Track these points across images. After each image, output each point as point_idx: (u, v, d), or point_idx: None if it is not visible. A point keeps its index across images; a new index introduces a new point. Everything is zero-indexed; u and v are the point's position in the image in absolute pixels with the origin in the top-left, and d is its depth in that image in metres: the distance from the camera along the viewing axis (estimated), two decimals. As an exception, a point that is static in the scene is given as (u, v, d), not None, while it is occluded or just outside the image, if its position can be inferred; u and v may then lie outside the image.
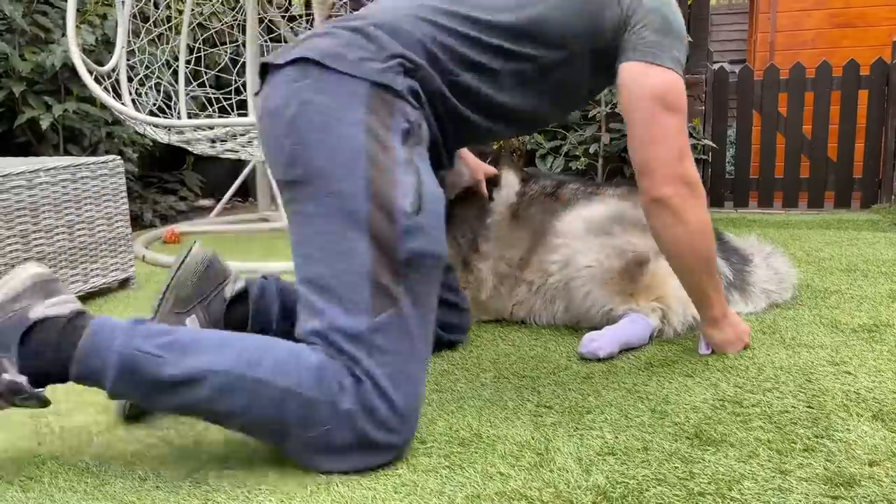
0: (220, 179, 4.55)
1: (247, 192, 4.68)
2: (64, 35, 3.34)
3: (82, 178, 2.23)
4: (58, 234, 2.16)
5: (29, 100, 3.36)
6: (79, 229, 2.23)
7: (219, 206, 3.93)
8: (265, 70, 1.38)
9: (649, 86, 1.47)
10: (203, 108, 3.86)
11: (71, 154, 3.53)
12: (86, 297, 2.32)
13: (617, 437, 1.29)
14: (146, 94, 3.34)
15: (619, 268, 1.84)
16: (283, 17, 4.16)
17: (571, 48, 1.48)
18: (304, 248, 1.25)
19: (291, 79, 1.30)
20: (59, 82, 3.45)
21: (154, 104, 3.34)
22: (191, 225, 3.69)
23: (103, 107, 3.40)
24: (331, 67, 1.28)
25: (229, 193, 3.91)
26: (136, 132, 3.43)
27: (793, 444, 1.25)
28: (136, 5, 3.31)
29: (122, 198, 2.40)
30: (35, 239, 2.08)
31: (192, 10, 3.63)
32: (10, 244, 2.01)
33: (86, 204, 2.25)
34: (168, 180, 4.46)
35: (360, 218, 1.21)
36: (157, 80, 3.42)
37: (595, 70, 1.52)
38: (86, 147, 3.63)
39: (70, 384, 1.22)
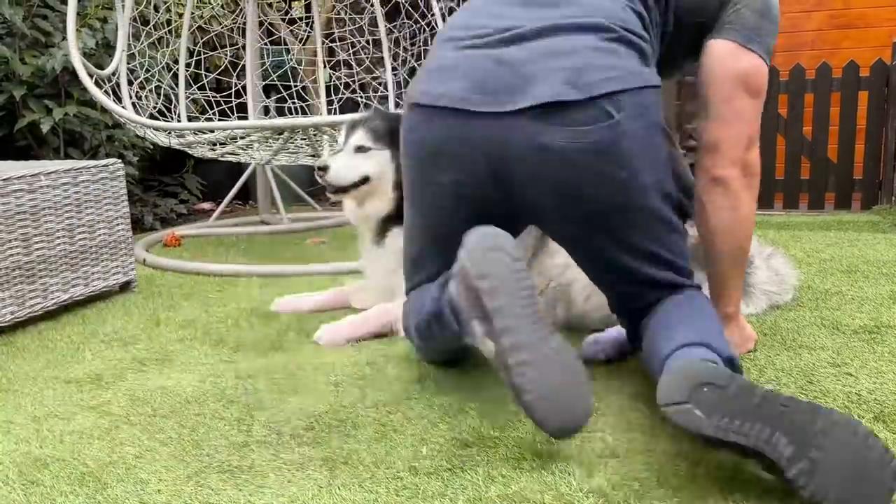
0: (220, 182, 4.55)
1: (247, 195, 4.68)
2: (64, 38, 3.34)
3: (83, 181, 2.23)
4: (58, 237, 2.16)
5: (29, 103, 3.36)
6: (79, 233, 2.23)
7: (219, 210, 3.93)
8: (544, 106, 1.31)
9: (736, 68, 1.49)
10: (203, 111, 3.86)
11: (71, 157, 3.53)
12: (87, 301, 2.32)
13: (619, 440, 1.29)
14: (146, 97, 3.34)
15: None
16: (283, 19, 4.17)
17: (683, 20, 1.53)
18: (656, 248, 1.42)
19: (637, 113, 1.33)
20: (60, 86, 3.46)
21: (154, 107, 3.35)
22: (191, 228, 3.69)
23: (104, 110, 3.40)
24: (649, 86, 1.36)
25: (229, 196, 3.91)
26: (137, 135, 3.44)
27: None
28: (136, 9, 3.31)
29: (122, 201, 2.40)
30: (36, 242, 2.08)
31: (192, 13, 3.63)
32: (10, 248, 2.01)
33: (86, 207, 2.25)
34: (168, 183, 4.46)
35: (674, 203, 1.43)
36: (158, 84, 3.42)
37: (693, 45, 1.56)
38: (86, 150, 3.63)
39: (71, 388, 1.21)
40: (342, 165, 1.99)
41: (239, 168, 4.11)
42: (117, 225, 2.38)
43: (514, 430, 1.34)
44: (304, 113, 3.99)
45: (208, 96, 3.72)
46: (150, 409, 1.51)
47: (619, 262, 1.41)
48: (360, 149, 2.01)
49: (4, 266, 1.99)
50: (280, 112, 3.99)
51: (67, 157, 3.53)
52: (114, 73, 3.11)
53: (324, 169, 1.97)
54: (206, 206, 4.57)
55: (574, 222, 1.40)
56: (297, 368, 1.71)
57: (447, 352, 1.61)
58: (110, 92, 3.03)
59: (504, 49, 1.37)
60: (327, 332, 1.91)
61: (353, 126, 2.05)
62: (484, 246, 1.25)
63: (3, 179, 1.98)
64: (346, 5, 3.91)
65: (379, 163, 2.00)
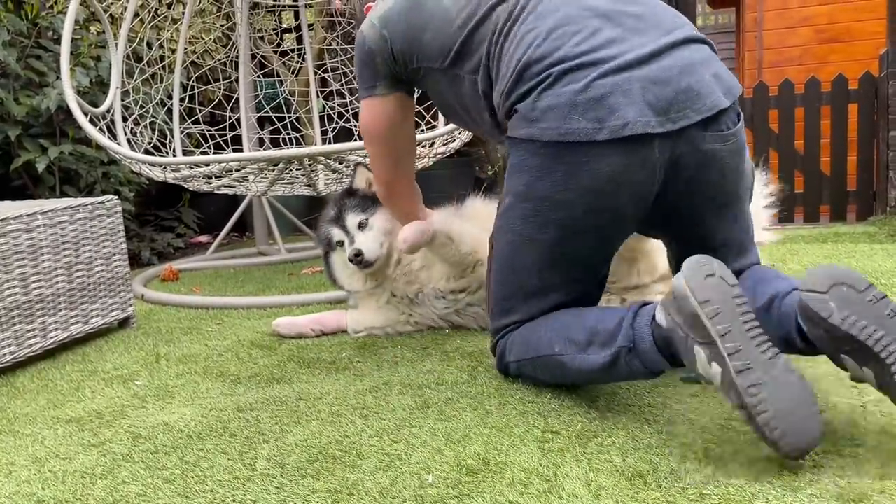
0: (217, 215, 4.56)
1: (244, 227, 4.69)
2: (58, 78, 3.37)
3: (80, 219, 2.23)
4: (56, 276, 2.15)
5: (25, 143, 3.38)
6: (77, 270, 2.23)
7: (216, 242, 3.93)
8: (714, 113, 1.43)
9: None
10: (198, 144, 3.87)
11: (68, 195, 3.54)
12: (86, 338, 2.31)
13: (625, 461, 1.28)
14: (141, 133, 3.35)
15: None
16: (276, 52, 4.20)
17: None
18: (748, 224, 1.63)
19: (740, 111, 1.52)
20: (55, 125, 3.47)
21: (149, 143, 3.36)
22: (189, 261, 3.69)
23: (99, 147, 3.42)
24: None
25: (226, 229, 3.91)
26: (132, 171, 3.45)
27: (802, 462, 1.24)
28: (130, 46, 3.34)
29: (119, 237, 2.40)
30: (34, 282, 2.08)
31: (185, 49, 3.66)
32: (8, 287, 2.01)
33: (84, 245, 2.25)
34: (165, 218, 4.46)
35: None
36: (152, 119, 3.44)
37: None
38: (82, 188, 3.63)
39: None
40: (371, 242, 2.14)
41: (235, 200, 4.12)
42: (115, 261, 2.38)
43: (519, 455, 1.33)
44: (298, 143, 4.01)
45: (203, 130, 3.74)
46: (151, 446, 1.49)
47: (727, 237, 1.57)
48: (361, 225, 2.17)
49: (3, 307, 1.99)
50: (274, 143, 4.01)
51: (63, 195, 3.53)
52: (108, 111, 3.12)
53: (359, 254, 2.10)
54: (203, 238, 4.57)
55: (699, 215, 1.54)
56: (299, 399, 1.70)
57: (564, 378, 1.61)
58: (105, 129, 3.04)
59: (648, 67, 1.42)
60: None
61: (336, 219, 2.19)
62: (702, 273, 1.27)
63: (0, 220, 1.98)
64: (337, 36, 3.94)
65: (382, 219, 2.17)
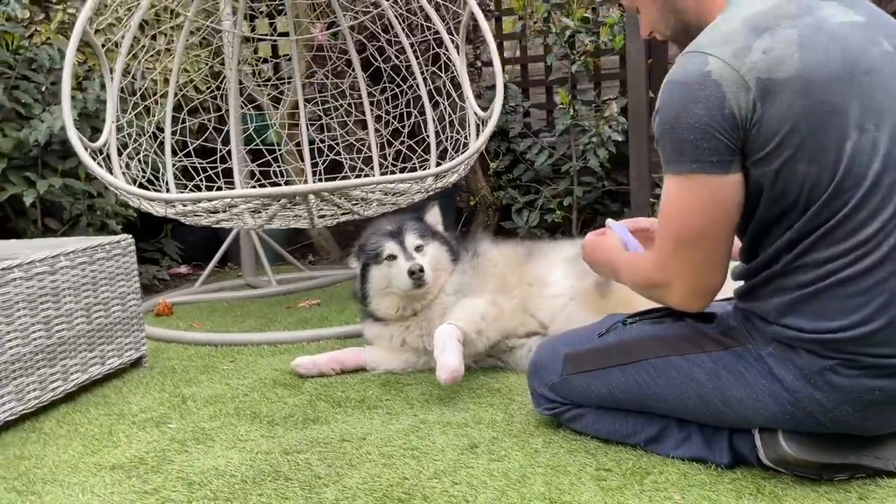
0: (196, 245, 4.51)
1: (225, 257, 4.65)
2: (45, 110, 3.33)
3: (99, 259, 2.22)
4: (77, 317, 2.13)
5: (10, 176, 3.31)
6: (96, 311, 2.21)
7: (204, 275, 3.90)
8: None
9: None
10: (190, 177, 3.85)
11: (50, 228, 3.49)
12: (103, 380, 2.28)
13: (685, 497, 1.36)
14: (134, 166, 3.33)
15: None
16: (264, 85, 4.21)
17: None
18: None
19: None
20: (37, 157, 3.41)
21: (143, 176, 3.33)
22: (180, 294, 3.66)
23: (88, 180, 3.39)
24: None
25: (214, 261, 3.89)
26: (120, 204, 3.42)
27: (848, 494, 1.33)
28: (123, 81, 3.32)
29: (133, 276, 2.39)
30: (57, 324, 2.06)
31: (177, 82, 3.66)
32: (33, 331, 1.98)
33: (102, 285, 2.24)
34: (147, 249, 4.39)
35: None
36: (145, 153, 3.42)
37: None
38: (65, 221, 3.57)
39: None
40: (428, 264, 2.18)
41: (215, 231, 4.09)
42: (129, 301, 2.37)
43: (581, 494, 1.39)
44: (288, 176, 4.02)
45: (193, 163, 3.72)
46: (209, 492, 1.51)
47: None
48: (419, 248, 2.22)
49: (29, 351, 1.96)
50: (265, 175, 4.00)
51: (46, 228, 3.48)
52: (105, 145, 3.10)
53: (422, 269, 2.13)
54: (183, 269, 4.52)
55: None
56: (342, 440, 1.73)
57: None
58: (102, 164, 3.01)
59: None
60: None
61: (395, 234, 2.23)
62: None
63: (27, 263, 1.96)
64: (327, 71, 3.99)
65: (435, 256, 2.25)
